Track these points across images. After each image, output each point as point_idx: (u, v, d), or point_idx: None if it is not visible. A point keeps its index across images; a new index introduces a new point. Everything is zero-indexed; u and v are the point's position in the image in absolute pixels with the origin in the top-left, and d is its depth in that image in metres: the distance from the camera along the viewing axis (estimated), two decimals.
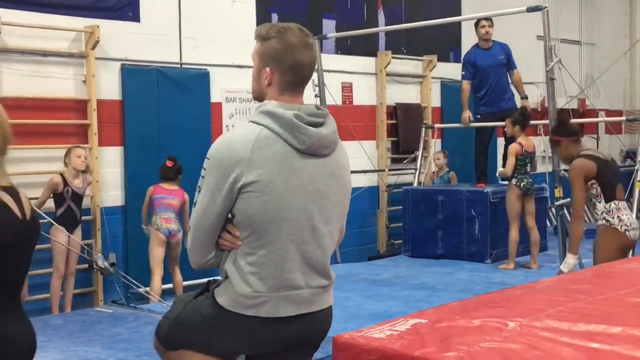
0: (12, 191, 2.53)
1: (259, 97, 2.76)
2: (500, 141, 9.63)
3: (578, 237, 6.05)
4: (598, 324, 3.23)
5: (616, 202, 6.10)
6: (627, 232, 6.00)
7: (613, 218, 6.02)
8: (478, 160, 9.19)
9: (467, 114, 8.87)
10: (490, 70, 8.86)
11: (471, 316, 3.36)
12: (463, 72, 9.00)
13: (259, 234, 2.63)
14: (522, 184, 8.11)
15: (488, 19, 8.84)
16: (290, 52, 2.67)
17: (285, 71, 2.68)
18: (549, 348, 2.95)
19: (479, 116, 9.01)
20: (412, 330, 3.18)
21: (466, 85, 8.88)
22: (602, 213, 6.04)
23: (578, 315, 3.36)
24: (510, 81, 9.04)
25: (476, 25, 8.97)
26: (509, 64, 8.98)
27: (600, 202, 6.11)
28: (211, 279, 2.87)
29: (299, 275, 2.68)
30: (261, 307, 2.65)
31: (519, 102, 8.79)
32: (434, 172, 10.31)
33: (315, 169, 2.69)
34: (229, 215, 2.67)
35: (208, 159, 2.68)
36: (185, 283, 7.47)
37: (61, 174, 6.83)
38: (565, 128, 6.47)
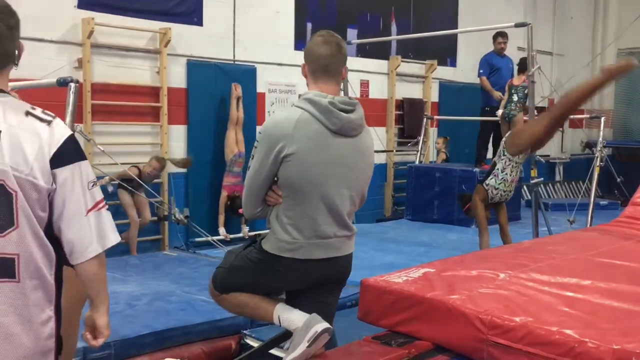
0: None
1: None
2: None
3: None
4: (571, 277, 3.22)
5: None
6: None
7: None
8: (480, 146, 8.94)
9: (498, 94, 8.24)
10: (505, 72, 8.65)
11: (470, 268, 3.37)
12: (481, 70, 8.71)
13: (296, 193, 2.64)
14: None
15: (505, 35, 8.64)
16: (314, 47, 2.72)
17: (311, 62, 2.73)
18: (534, 295, 2.96)
19: (488, 109, 8.62)
20: (424, 277, 3.19)
21: (485, 80, 8.63)
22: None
23: (555, 270, 3.36)
24: None
25: (494, 38, 8.76)
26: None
27: (492, 178, 6.25)
28: (257, 233, 2.88)
29: (327, 227, 2.68)
30: (297, 251, 2.67)
31: None
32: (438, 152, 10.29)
33: (344, 146, 2.69)
34: (275, 179, 2.68)
35: (260, 133, 2.69)
36: (251, 233, 7.22)
37: (138, 167, 6.69)
38: (464, 198, 6.71)
